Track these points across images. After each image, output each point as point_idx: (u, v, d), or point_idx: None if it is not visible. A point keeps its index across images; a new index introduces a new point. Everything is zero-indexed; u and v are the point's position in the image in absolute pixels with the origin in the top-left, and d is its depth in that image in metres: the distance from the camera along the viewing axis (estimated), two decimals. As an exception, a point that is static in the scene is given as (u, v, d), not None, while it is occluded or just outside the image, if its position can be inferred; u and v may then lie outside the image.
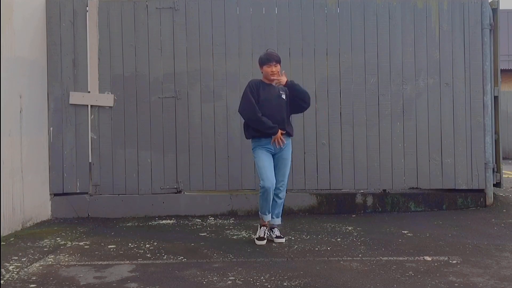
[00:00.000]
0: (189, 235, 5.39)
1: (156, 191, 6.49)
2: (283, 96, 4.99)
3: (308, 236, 5.25)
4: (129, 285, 3.71)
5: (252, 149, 5.05)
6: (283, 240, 5.02)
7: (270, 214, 5.01)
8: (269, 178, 4.85)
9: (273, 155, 5.01)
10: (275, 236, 5.04)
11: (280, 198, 5.04)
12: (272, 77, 4.96)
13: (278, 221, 5.10)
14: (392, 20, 6.60)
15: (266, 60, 4.96)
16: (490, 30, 6.63)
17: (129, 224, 6.03)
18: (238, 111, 5.10)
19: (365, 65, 6.59)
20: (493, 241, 4.96)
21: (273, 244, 4.93)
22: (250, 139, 5.04)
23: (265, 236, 5.01)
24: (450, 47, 6.60)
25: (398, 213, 6.51)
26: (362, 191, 6.68)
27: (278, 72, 4.95)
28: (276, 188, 4.95)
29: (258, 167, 4.94)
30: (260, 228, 5.06)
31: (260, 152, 4.95)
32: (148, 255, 4.56)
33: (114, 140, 6.47)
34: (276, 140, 4.90)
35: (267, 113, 4.89)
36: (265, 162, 4.91)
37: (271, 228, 5.08)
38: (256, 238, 5.00)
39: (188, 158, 6.48)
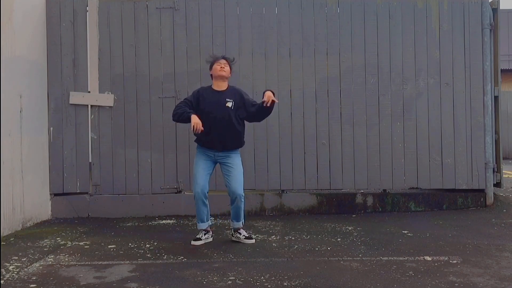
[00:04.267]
0: (189, 235, 5.38)
1: (156, 191, 6.49)
2: (229, 104, 4.88)
3: (308, 236, 5.25)
4: (129, 285, 3.71)
5: (196, 154, 5.09)
6: (252, 240, 5.00)
7: (206, 223, 5.03)
8: (198, 183, 4.94)
9: (217, 162, 5.05)
10: (243, 237, 5.02)
11: (235, 202, 4.95)
12: (220, 73, 4.92)
13: (237, 224, 5.05)
14: (392, 20, 6.60)
15: (215, 58, 5.02)
16: (490, 30, 6.62)
17: (129, 224, 6.03)
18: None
19: (365, 65, 6.58)
20: (493, 241, 4.96)
21: (273, 244, 4.93)
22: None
23: (202, 238, 4.99)
24: (450, 47, 6.59)
25: (398, 213, 6.51)
26: (362, 191, 6.68)
27: (225, 65, 4.94)
28: (232, 193, 4.93)
29: (193, 173, 5.05)
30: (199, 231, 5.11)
31: (199, 158, 5.04)
32: (148, 255, 4.56)
33: (114, 140, 6.47)
34: (193, 126, 4.74)
35: (212, 126, 4.82)
36: (199, 167, 5.00)
37: (237, 231, 5.06)
38: (193, 239, 5.01)
39: (188, 158, 6.48)
